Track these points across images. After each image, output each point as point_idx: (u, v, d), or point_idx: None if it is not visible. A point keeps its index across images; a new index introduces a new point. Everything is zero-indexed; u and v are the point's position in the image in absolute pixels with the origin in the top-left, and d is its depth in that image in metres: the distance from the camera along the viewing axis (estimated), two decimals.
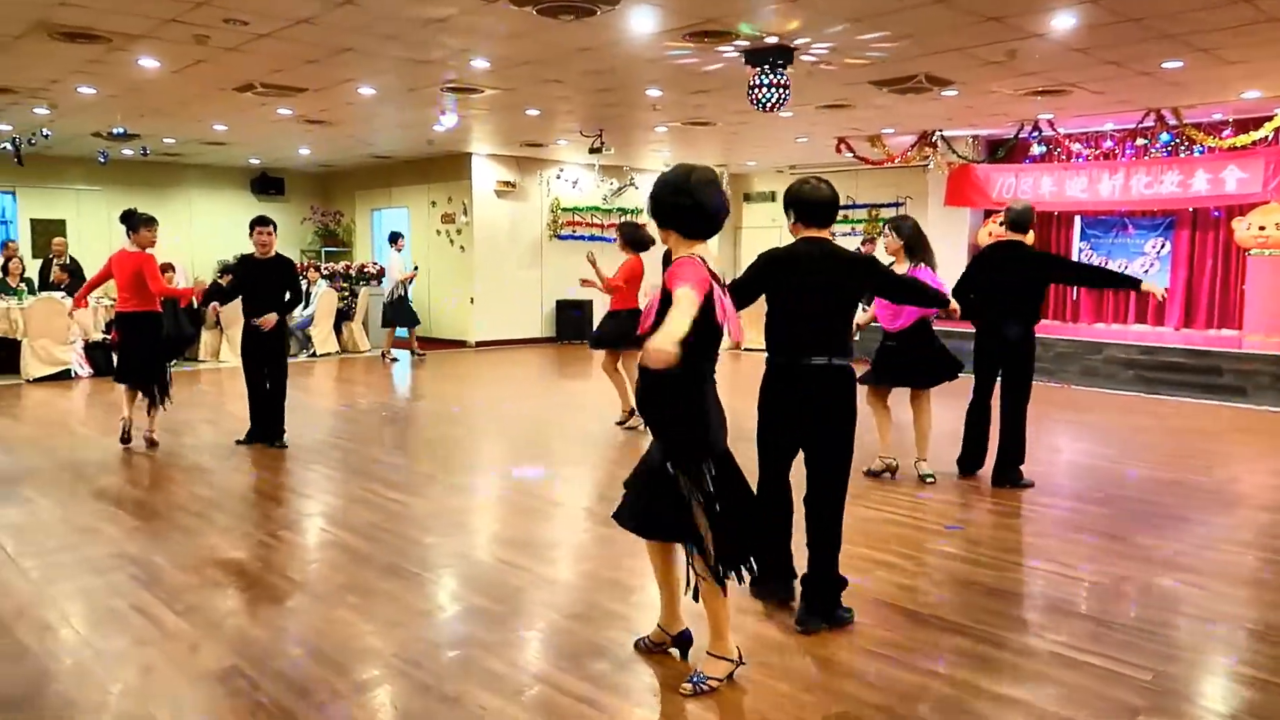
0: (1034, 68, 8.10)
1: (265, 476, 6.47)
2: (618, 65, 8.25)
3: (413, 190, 16.58)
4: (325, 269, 14.84)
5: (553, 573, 4.55)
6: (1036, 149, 12.57)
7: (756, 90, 7.65)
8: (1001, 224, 6.51)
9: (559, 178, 16.10)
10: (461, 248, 15.69)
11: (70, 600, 4.09)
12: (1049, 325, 13.62)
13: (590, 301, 16.33)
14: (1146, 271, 13.26)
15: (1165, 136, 12.11)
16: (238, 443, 7.38)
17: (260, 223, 7.20)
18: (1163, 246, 13.13)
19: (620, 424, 8.19)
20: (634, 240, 7.90)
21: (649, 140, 13.48)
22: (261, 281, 7.19)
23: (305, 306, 14.05)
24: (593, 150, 12.60)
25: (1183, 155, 12.03)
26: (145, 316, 7.14)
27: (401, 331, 14.05)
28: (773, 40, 7.24)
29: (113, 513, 5.48)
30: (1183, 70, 8.18)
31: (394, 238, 13.69)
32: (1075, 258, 13.97)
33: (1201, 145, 11.36)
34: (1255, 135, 10.04)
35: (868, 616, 3.92)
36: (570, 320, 16.30)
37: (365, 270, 15.27)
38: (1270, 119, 9.85)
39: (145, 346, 7.19)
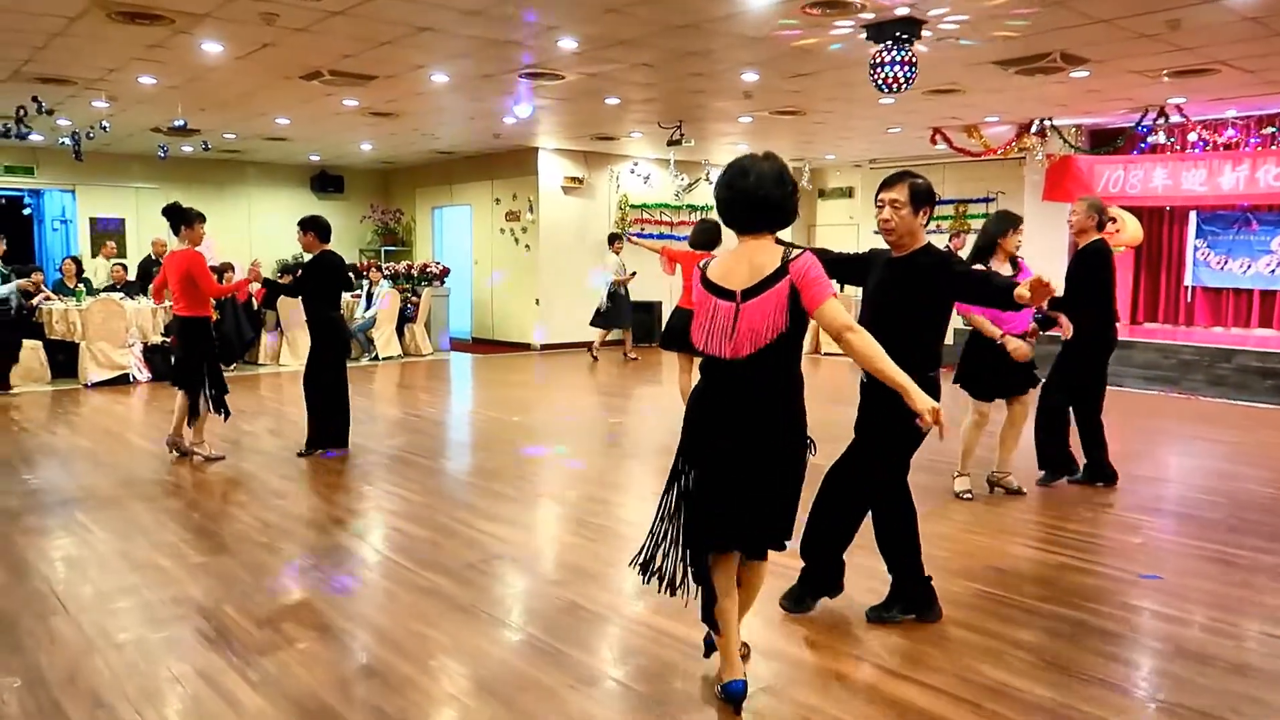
0: (1193, 41, 7.17)
1: (338, 499, 5.83)
2: (717, 47, 7.49)
3: (475, 187, 15.98)
4: (387, 269, 14.27)
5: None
6: (1157, 138, 11.51)
7: (880, 70, 6.83)
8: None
9: (633, 172, 15.36)
10: (526, 246, 15.04)
11: (126, 663, 3.44)
12: (1172, 331, 12.61)
13: (659, 302, 15.61)
14: (1274, 271, 12.17)
15: None
16: (299, 455, 6.88)
17: (300, 226, 6.91)
18: None
19: None
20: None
21: (727, 132, 12.70)
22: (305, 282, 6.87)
23: (367, 308, 13.51)
24: (671, 143, 11.86)
25: None
26: (194, 322, 6.63)
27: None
28: (903, 11, 6.42)
29: (174, 545, 4.85)
30: None
31: (612, 239, 13.76)
32: (1189, 256, 12.94)
33: None
34: None
35: None
36: (639, 321, 15.55)
37: (428, 270, 14.68)
38: None
39: (193, 353, 6.64)
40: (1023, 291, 3.36)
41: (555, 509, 5.78)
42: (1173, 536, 5.13)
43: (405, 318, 13.89)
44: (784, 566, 3.97)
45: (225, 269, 11.86)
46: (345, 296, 13.63)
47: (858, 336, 2.83)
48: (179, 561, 4.58)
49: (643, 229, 15.68)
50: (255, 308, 12.20)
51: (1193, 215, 12.82)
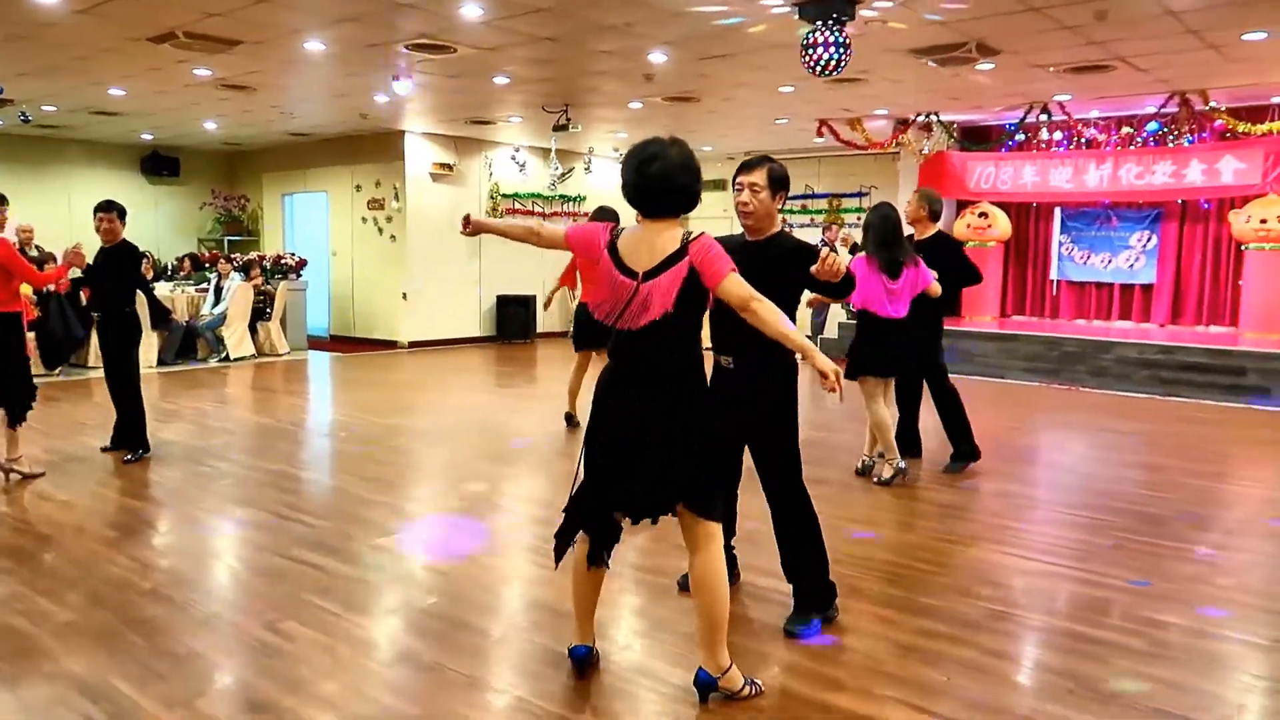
0: (1107, 35, 7.19)
1: (218, 525, 4.95)
2: (637, 20, 6.95)
3: (333, 172, 14.79)
4: (238, 260, 12.94)
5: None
6: (1043, 134, 11.82)
7: (814, 51, 6.47)
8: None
9: (513, 159, 14.60)
10: (392, 237, 14.04)
11: None
12: (1039, 323, 13.01)
13: (534, 295, 14.94)
14: (1132, 266, 12.76)
15: (1153, 125, 11.62)
16: (103, 449, 6.55)
17: (101, 208, 6.37)
18: (1149, 240, 12.61)
19: None
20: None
21: (611, 119, 12.18)
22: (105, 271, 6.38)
23: (216, 304, 12.21)
24: (557, 128, 11.23)
25: (1172, 145, 11.53)
26: (4, 319, 5.64)
27: None
28: None
29: (25, 597, 3.90)
30: (1260, 44, 7.43)
31: None
32: (1055, 251, 13.41)
33: (1211, 132, 10.84)
34: None
35: None
36: (514, 317, 14.86)
37: (283, 262, 13.45)
38: None
39: (7, 356, 5.63)
40: (817, 268, 3.38)
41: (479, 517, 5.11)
42: (1148, 539, 4.99)
43: (259, 314, 12.64)
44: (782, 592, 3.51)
45: (46, 259, 10.39)
46: (166, 289, 12.35)
47: (762, 305, 2.90)
48: (47, 628, 3.66)
49: (514, 219, 14.96)
50: (84, 303, 10.75)
51: (1058, 211, 13.27)
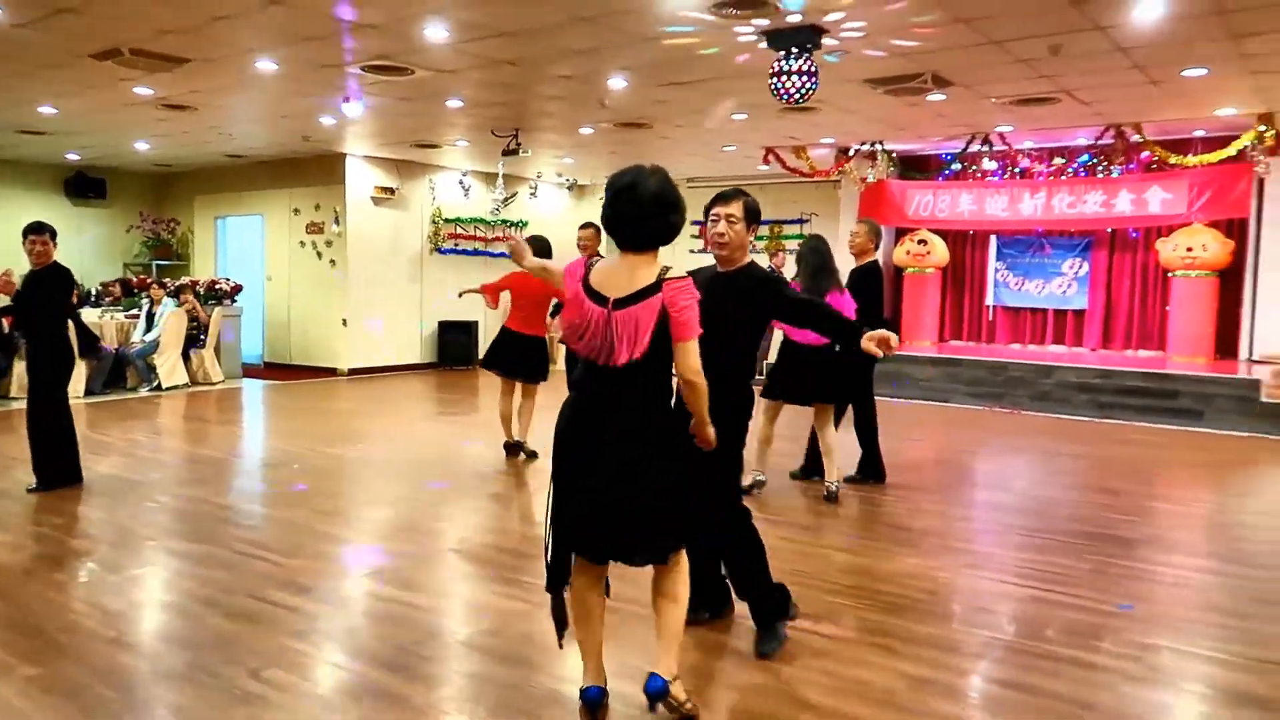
0: (1057, 69, 7.41)
1: (177, 565, 4.69)
2: (604, 45, 6.91)
3: (270, 195, 14.39)
4: (170, 285, 12.45)
5: None
6: (984, 164, 12.14)
7: (782, 79, 6.52)
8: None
9: (461, 184, 14.41)
10: (332, 262, 13.69)
11: None
12: (976, 348, 13.30)
13: (475, 322, 14.73)
14: (1065, 292, 13.15)
15: (1085, 156, 12.05)
16: (29, 490, 6.07)
17: (33, 230, 6.08)
18: (1081, 267, 13.03)
19: None
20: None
21: (558, 144, 12.12)
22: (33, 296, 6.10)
23: (148, 330, 11.72)
24: (507, 152, 11.11)
25: (1101, 175, 11.96)
26: None
27: None
28: (816, 19, 6.14)
29: None
30: (1196, 80, 7.74)
31: None
32: (991, 278, 13.76)
33: (1139, 163, 11.26)
34: (1224, 153, 9.87)
35: None
36: (456, 344, 14.61)
37: (218, 287, 13.00)
38: (1236, 138, 9.68)
39: None
40: (870, 346, 3.35)
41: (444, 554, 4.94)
42: (1123, 561, 5.08)
43: (192, 341, 12.16)
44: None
45: None
46: (94, 315, 11.85)
47: (701, 383, 2.94)
48: (2, 677, 3.39)
49: (456, 244, 14.76)
50: (5, 331, 10.20)
51: (993, 239, 13.63)
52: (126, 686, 3.34)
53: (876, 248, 6.49)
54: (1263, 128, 9.42)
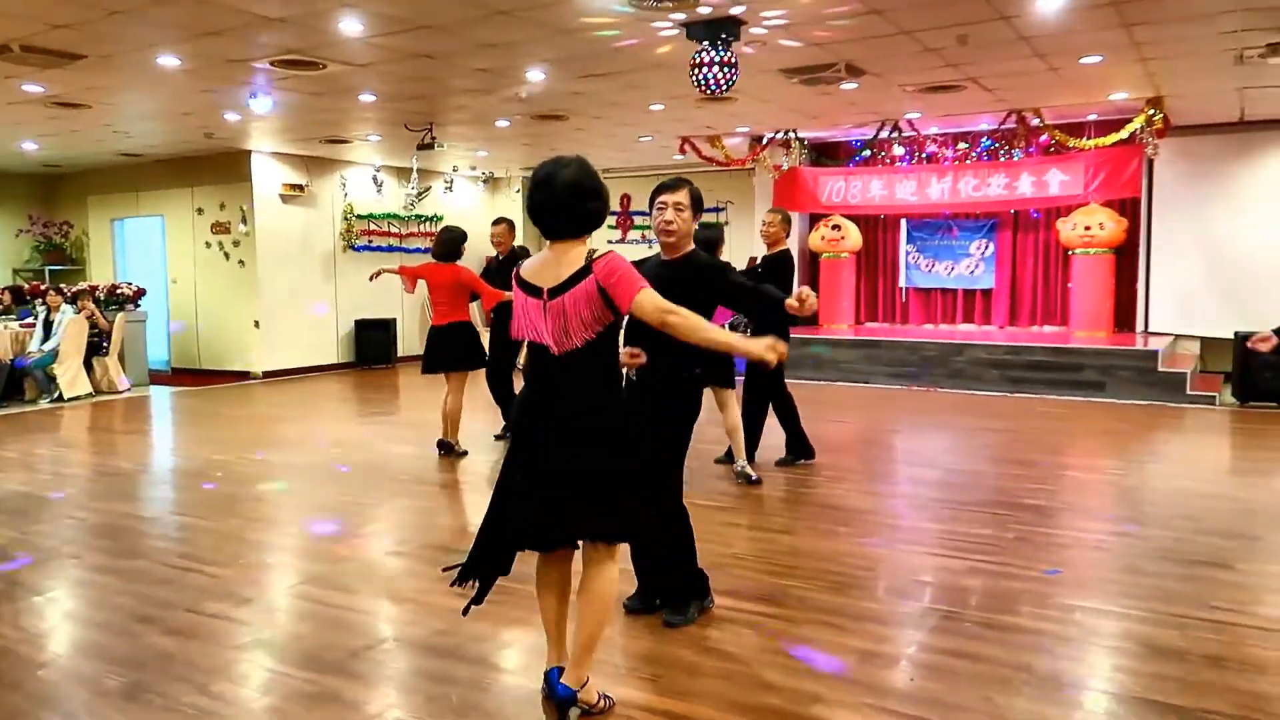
0: (965, 58, 7.67)
1: (112, 585, 4.53)
2: (520, 38, 6.86)
3: (171, 195, 13.87)
4: (66, 291, 11.90)
5: None
6: (894, 150, 12.44)
7: (702, 70, 6.59)
8: None
9: (374, 179, 14.12)
10: (241, 262, 13.28)
11: None
12: (891, 329, 13.66)
13: (394, 319, 14.50)
14: (973, 272, 13.61)
15: (986, 141, 12.48)
16: None
17: None
18: (987, 248, 13.49)
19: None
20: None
21: (472, 138, 11.99)
22: None
23: (45, 339, 11.19)
24: (422, 146, 10.94)
25: (1003, 159, 12.40)
26: None
27: None
28: (738, 10, 6.20)
29: None
30: (1093, 67, 8.09)
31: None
32: (903, 260, 14.15)
33: (1038, 147, 11.70)
34: (1117, 136, 10.33)
35: None
36: (374, 342, 14.34)
37: (119, 292, 12.49)
38: (1129, 121, 10.15)
39: None
40: (793, 303, 3.54)
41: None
42: (1045, 529, 5.31)
43: (94, 349, 11.66)
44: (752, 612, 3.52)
45: None
46: (14, 326, 11.36)
47: (679, 317, 2.92)
48: None
49: (370, 241, 14.49)
50: None
51: (904, 223, 14.01)
52: (70, 712, 3.22)
53: (787, 236, 6.65)
54: (1152, 111, 9.90)
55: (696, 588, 3.93)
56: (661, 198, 3.71)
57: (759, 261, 6.63)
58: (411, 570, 4.77)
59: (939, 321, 13.93)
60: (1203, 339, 11.59)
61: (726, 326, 6.22)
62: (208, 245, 13.57)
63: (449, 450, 7.34)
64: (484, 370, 7.58)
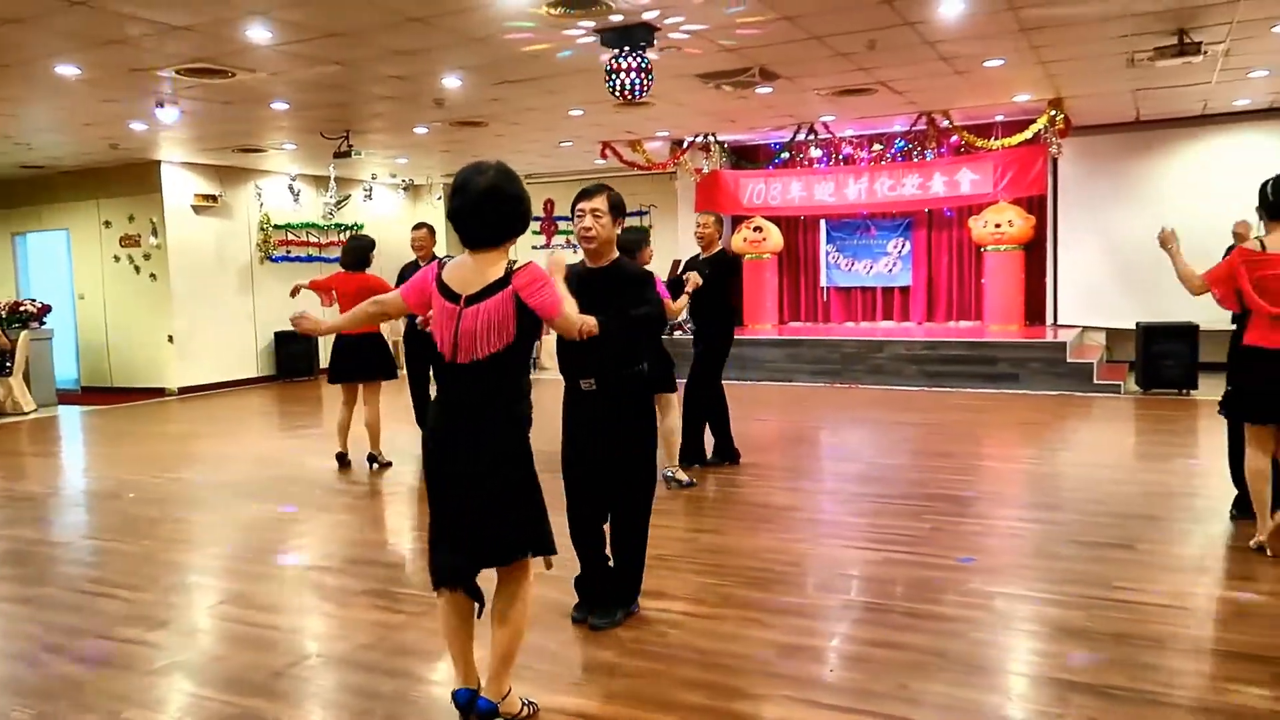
0: (874, 62, 7.87)
1: (19, 613, 4.37)
2: (435, 45, 6.83)
3: (76, 208, 13.40)
4: None
5: None
6: (811, 152, 12.67)
7: (618, 76, 6.64)
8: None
9: (290, 188, 13.84)
10: (152, 276, 12.90)
11: None
12: (813, 328, 13.90)
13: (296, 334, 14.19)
14: (891, 271, 13.93)
15: (900, 143, 12.80)
16: None
17: None
18: (904, 246, 13.83)
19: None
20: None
21: (390, 145, 11.87)
22: None
23: None
24: (339, 155, 10.78)
25: (916, 160, 12.73)
26: None
27: None
28: (650, 15, 6.27)
29: None
30: (996, 70, 8.37)
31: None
32: (824, 260, 14.41)
33: (949, 148, 12.04)
34: (1022, 136, 10.68)
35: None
36: (295, 354, 14.06)
37: (22, 309, 12.02)
38: (1033, 122, 10.51)
39: None
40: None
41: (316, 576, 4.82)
42: (959, 519, 5.48)
43: None
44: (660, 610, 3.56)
45: None
46: None
47: (591, 323, 3.02)
48: None
49: (288, 252, 14.21)
50: None
51: (823, 223, 14.28)
52: None
53: (720, 236, 6.76)
54: (1053, 112, 10.29)
55: (632, 591, 3.97)
56: (580, 205, 3.73)
57: (681, 266, 6.66)
58: (336, 585, 4.70)
59: (860, 319, 14.23)
60: (1108, 330, 12.07)
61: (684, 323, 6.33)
62: (117, 259, 13.16)
63: (347, 463, 7.32)
64: (395, 379, 7.50)
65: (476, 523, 2.92)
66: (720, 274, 6.41)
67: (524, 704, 3.10)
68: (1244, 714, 3.07)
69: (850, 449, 7.98)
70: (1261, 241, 4.51)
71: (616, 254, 3.84)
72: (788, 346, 12.31)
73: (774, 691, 3.31)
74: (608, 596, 3.90)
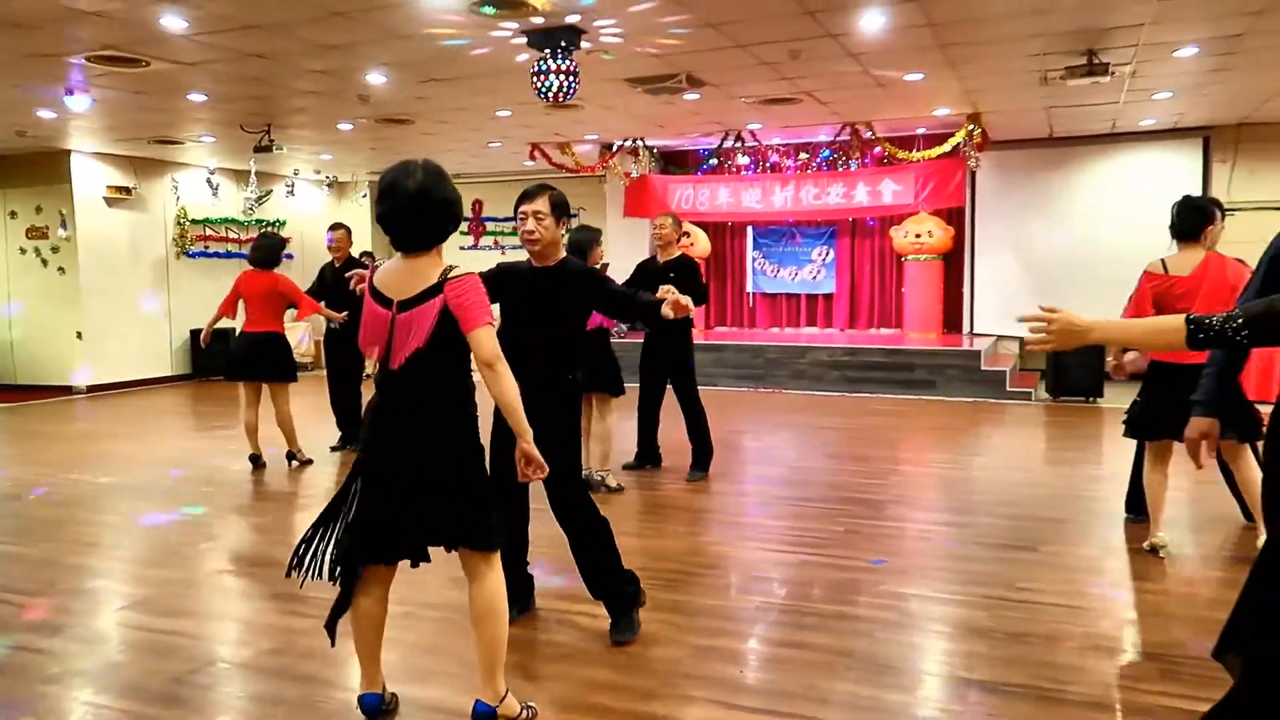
0: (798, 72, 7.99)
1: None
2: (359, 40, 6.73)
3: None
4: None
5: None
6: (738, 159, 12.81)
7: (542, 77, 6.63)
8: None
9: (209, 182, 13.46)
10: (61, 269, 12.43)
11: None
12: (739, 333, 14.05)
13: (231, 330, 13.83)
14: (815, 278, 14.16)
15: (825, 152, 13.02)
16: None
17: None
18: (828, 254, 14.08)
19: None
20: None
21: (315, 141, 11.64)
22: None
23: None
24: (260, 149, 10.53)
25: (841, 169, 12.97)
26: None
27: None
28: (573, 19, 6.27)
29: None
30: (916, 84, 8.58)
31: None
32: (750, 266, 14.59)
33: (872, 158, 12.30)
34: (942, 149, 10.95)
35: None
36: (210, 352, 13.59)
37: None
38: (952, 135, 10.79)
39: None
40: (668, 311, 3.55)
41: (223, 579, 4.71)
42: (873, 521, 5.60)
43: None
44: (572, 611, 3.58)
45: None
46: None
47: (496, 374, 2.87)
48: None
49: (206, 247, 13.83)
50: None
51: (750, 230, 14.45)
52: None
53: (678, 239, 6.68)
54: (971, 126, 10.58)
55: (634, 594, 3.87)
56: (523, 208, 3.67)
57: (638, 269, 6.68)
58: (242, 589, 4.60)
59: (784, 325, 14.43)
60: (1021, 339, 12.43)
61: (614, 333, 6.32)
62: (23, 251, 12.65)
63: (262, 464, 7.18)
64: (295, 382, 7.35)
65: (416, 510, 2.89)
66: (685, 277, 6.28)
67: (523, 707, 3.08)
68: (1133, 709, 3.20)
69: (771, 453, 8.08)
70: (1164, 262, 4.74)
71: (563, 254, 3.77)
72: (712, 351, 12.41)
73: (683, 692, 3.34)
74: (616, 605, 3.81)
